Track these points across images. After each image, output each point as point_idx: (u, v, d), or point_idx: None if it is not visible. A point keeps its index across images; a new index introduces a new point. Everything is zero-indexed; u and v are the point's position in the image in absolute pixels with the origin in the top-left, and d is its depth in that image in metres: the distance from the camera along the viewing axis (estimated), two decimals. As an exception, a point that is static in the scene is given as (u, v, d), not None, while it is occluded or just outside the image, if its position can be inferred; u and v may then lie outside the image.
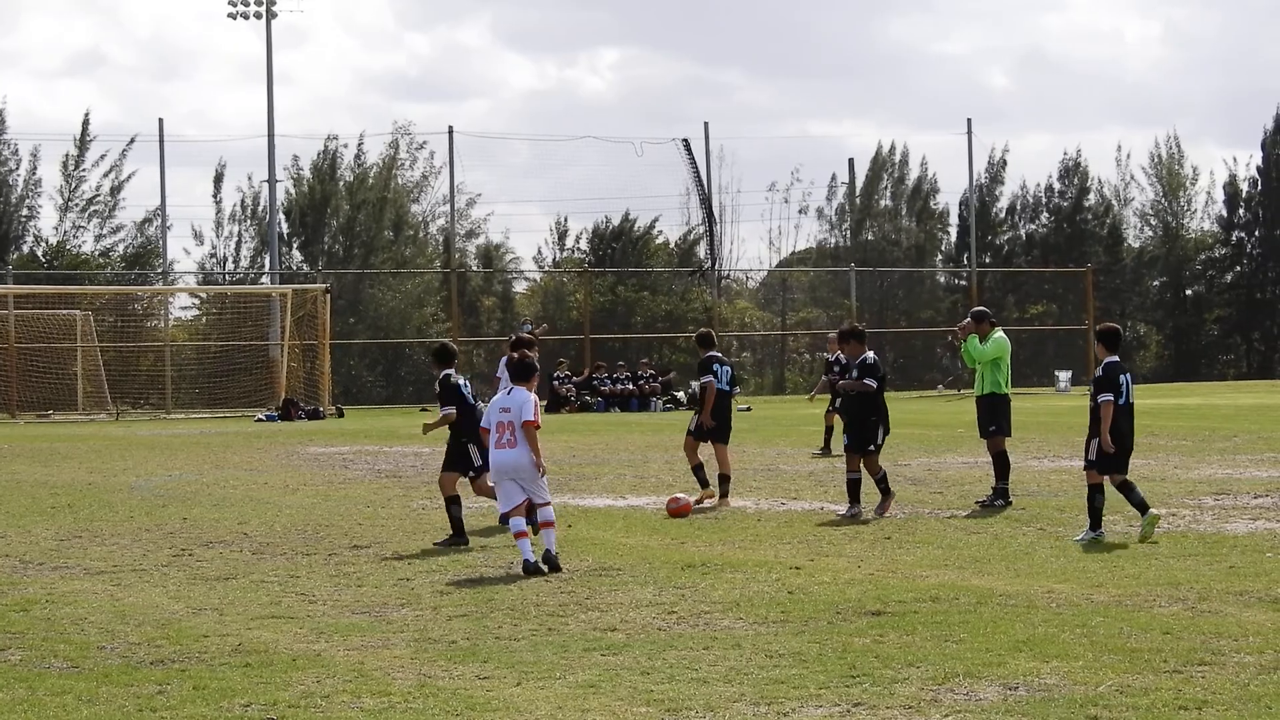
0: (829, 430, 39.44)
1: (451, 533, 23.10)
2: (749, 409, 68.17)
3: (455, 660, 14.64)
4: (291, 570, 20.53)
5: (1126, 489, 22.72)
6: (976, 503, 26.60)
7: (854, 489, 25.55)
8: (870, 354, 27.63)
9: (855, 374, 27.43)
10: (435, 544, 22.83)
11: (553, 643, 15.39)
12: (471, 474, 23.88)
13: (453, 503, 23.40)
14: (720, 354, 29.96)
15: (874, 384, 26.99)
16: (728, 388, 29.35)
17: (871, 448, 25.82)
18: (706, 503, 27.81)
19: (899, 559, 20.77)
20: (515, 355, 22.56)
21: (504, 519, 21.61)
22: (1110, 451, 22.38)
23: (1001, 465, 26.80)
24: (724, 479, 28.53)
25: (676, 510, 25.97)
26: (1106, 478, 22.55)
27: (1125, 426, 22.94)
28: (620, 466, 36.46)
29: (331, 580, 19.61)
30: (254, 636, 15.98)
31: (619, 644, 15.27)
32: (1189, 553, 20.76)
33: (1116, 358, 23.06)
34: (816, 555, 21.18)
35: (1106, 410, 22.51)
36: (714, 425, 28.76)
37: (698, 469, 28.90)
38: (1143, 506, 22.47)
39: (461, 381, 24.50)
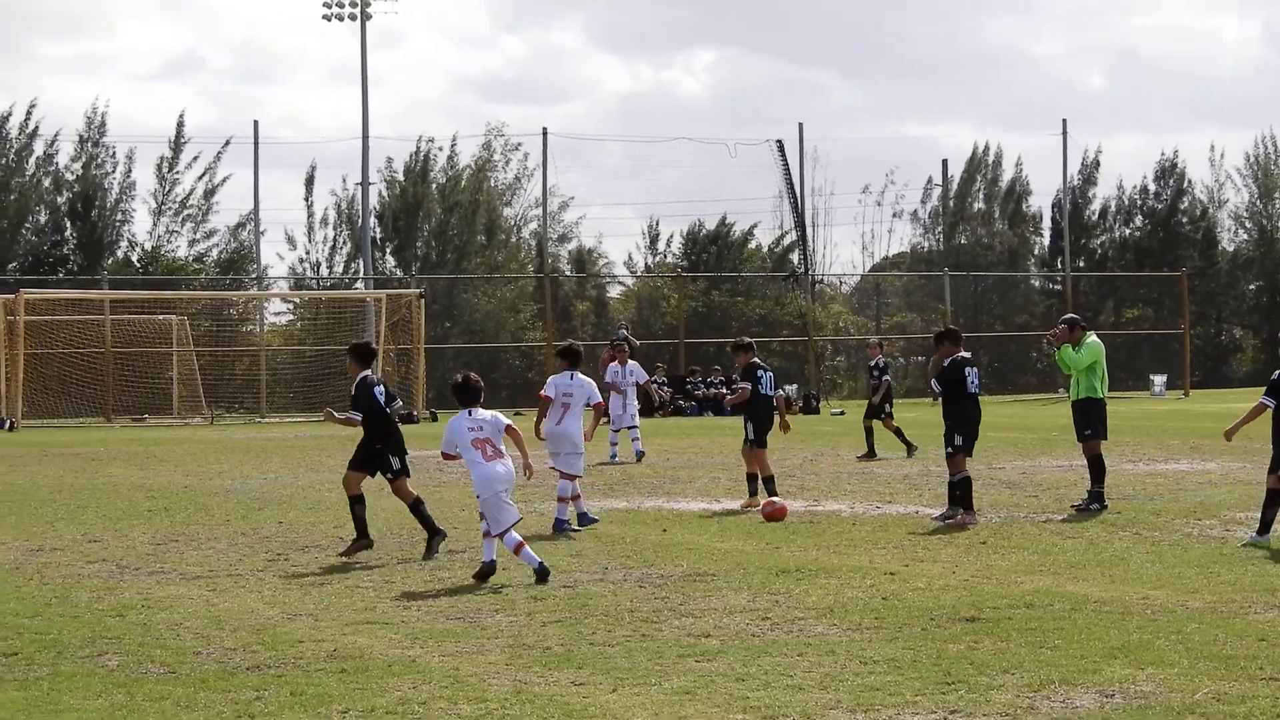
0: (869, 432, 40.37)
1: (356, 535, 22.84)
2: (843, 413, 68.09)
3: (550, 666, 14.67)
4: (386, 575, 20.62)
5: None
6: (1072, 507, 26.53)
7: (960, 491, 25.52)
8: (756, 359, 29.95)
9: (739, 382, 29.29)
10: (340, 554, 22.70)
11: (647, 649, 15.42)
12: (390, 476, 23.42)
13: (357, 502, 23.07)
14: (760, 360, 30.35)
15: (747, 388, 29.10)
16: (770, 393, 29.47)
17: (949, 449, 25.83)
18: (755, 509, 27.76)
19: (994, 564, 20.73)
20: (459, 379, 21.67)
21: (498, 536, 20.57)
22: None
23: (1097, 469, 26.72)
24: (753, 479, 28.78)
25: (772, 514, 25.97)
26: None
27: None
28: (714, 470, 36.45)
29: (426, 585, 19.68)
30: (349, 642, 16.05)
31: (713, 650, 15.29)
32: (1287, 558, 20.68)
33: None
34: (911, 560, 21.15)
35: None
36: (765, 430, 29.06)
37: (768, 478, 28.76)
38: None
39: (377, 386, 23.79)
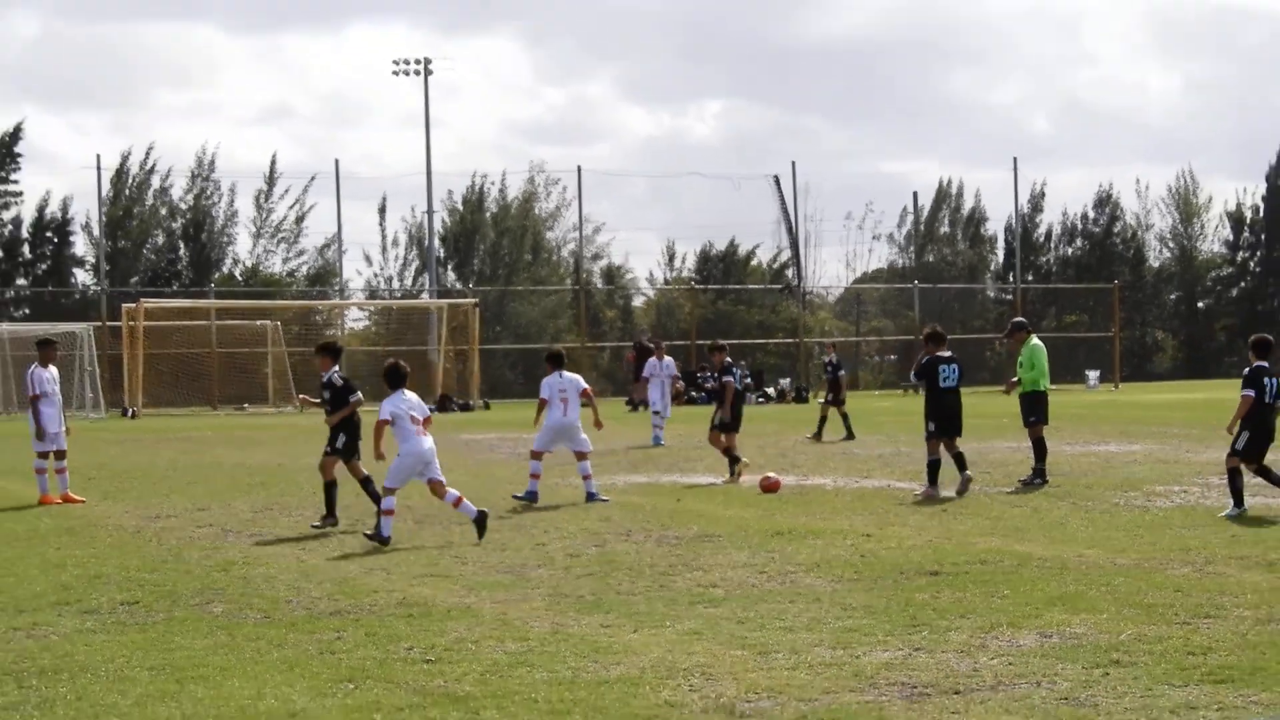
0: (823, 420, 40.86)
1: (325, 513, 22.32)
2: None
3: (583, 611, 14.71)
4: (446, 537, 20.64)
5: (1264, 473, 22.63)
6: (1019, 481, 26.53)
7: (930, 470, 25.49)
8: (728, 359, 31.15)
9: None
10: (312, 526, 22.11)
11: (663, 597, 15.45)
12: (347, 458, 22.86)
13: (332, 486, 22.55)
14: (731, 360, 31.32)
15: (733, 381, 29.99)
16: (740, 386, 30.40)
17: (926, 434, 25.85)
18: (744, 479, 28.17)
19: (953, 528, 20.73)
20: (390, 364, 21.64)
21: (387, 490, 20.68)
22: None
23: (1040, 450, 26.75)
24: (732, 460, 29.13)
25: (768, 487, 25.99)
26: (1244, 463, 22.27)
27: (1269, 421, 22.81)
28: (720, 451, 36.43)
29: (480, 545, 19.68)
30: (415, 592, 16.09)
31: (719, 598, 15.31)
32: (1197, 523, 20.65)
33: (1265, 363, 23.14)
34: (884, 525, 21.16)
35: (1245, 404, 22.57)
36: (731, 418, 29.63)
37: (728, 450, 29.36)
38: None
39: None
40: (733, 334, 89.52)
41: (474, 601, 15.41)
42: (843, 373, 42.33)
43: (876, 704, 10.79)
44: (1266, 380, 22.97)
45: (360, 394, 23.32)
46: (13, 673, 12.32)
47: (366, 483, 22.35)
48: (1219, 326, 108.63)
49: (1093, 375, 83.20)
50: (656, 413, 40.36)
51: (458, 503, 20.54)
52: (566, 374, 26.07)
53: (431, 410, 21.98)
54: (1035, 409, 27.07)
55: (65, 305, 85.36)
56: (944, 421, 25.90)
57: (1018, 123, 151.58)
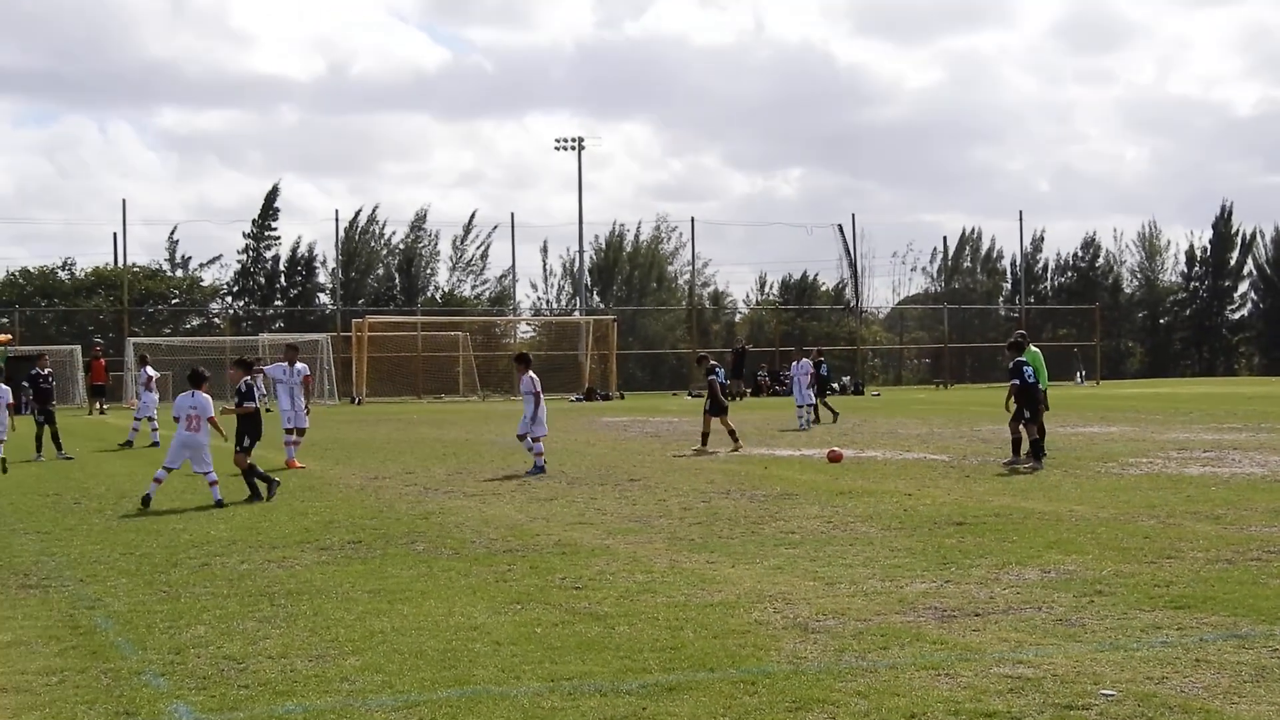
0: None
1: (251, 492, 20.60)
2: (879, 394, 67.61)
3: (693, 551, 14.63)
4: (591, 494, 20.61)
5: (1035, 446, 24.25)
6: (1024, 454, 26.21)
7: (1032, 447, 24.65)
8: (713, 363, 31.56)
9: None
10: (261, 499, 20.45)
11: (754, 540, 15.35)
12: (240, 450, 21.13)
13: (250, 473, 20.73)
14: (717, 363, 32.58)
15: (716, 379, 30.69)
16: (725, 382, 31.34)
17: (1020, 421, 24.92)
18: (721, 452, 28.53)
19: (974, 489, 20.50)
20: (191, 370, 20.92)
21: (166, 469, 20.35)
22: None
23: (1039, 430, 26.35)
24: (732, 434, 29.55)
25: (834, 458, 25.80)
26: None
27: (1034, 396, 24.59)
28: (796, 431, 36.29)
29: (616, 501, 19.66)
30: (568, 536, 16.06)
31: (796, 542, 15.19)
32: (1160, 487, 20.32)
33: (1023, 358, 25.01)
34: (921, 487, 20.94)
35: (1012, 389, 24.66)
36: (720, 405, 30.21)
37: (730, 431, 29.64)
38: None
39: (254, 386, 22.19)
40: (805, 342, 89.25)
41: (611, 543, 15.37)
42: (823, 372, 43.25)
43: (916, 623, 10.66)
44: (1025, 369, 24.76)
45: (255, 402, 21.89)
46: (266, 594, 12.39)
47: (249, 472, 20.84)
48: (1176, 338, 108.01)
49: (1080, 375, 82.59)
50: (800, 406, 38.29)
51: (213, 484, 20.13)
52: (531, 374, 25.47)
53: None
54: (1036, 400, 26.68)
55: (310, 320, 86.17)
56: (1031, 408, 25.62)
57: (1024, 184, 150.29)
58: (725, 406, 30.44)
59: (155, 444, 33.14)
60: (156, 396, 35.63)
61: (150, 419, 34.69)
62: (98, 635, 10.77)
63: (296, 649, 10.09)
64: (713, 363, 31.91)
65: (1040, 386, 26.61)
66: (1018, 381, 24.95)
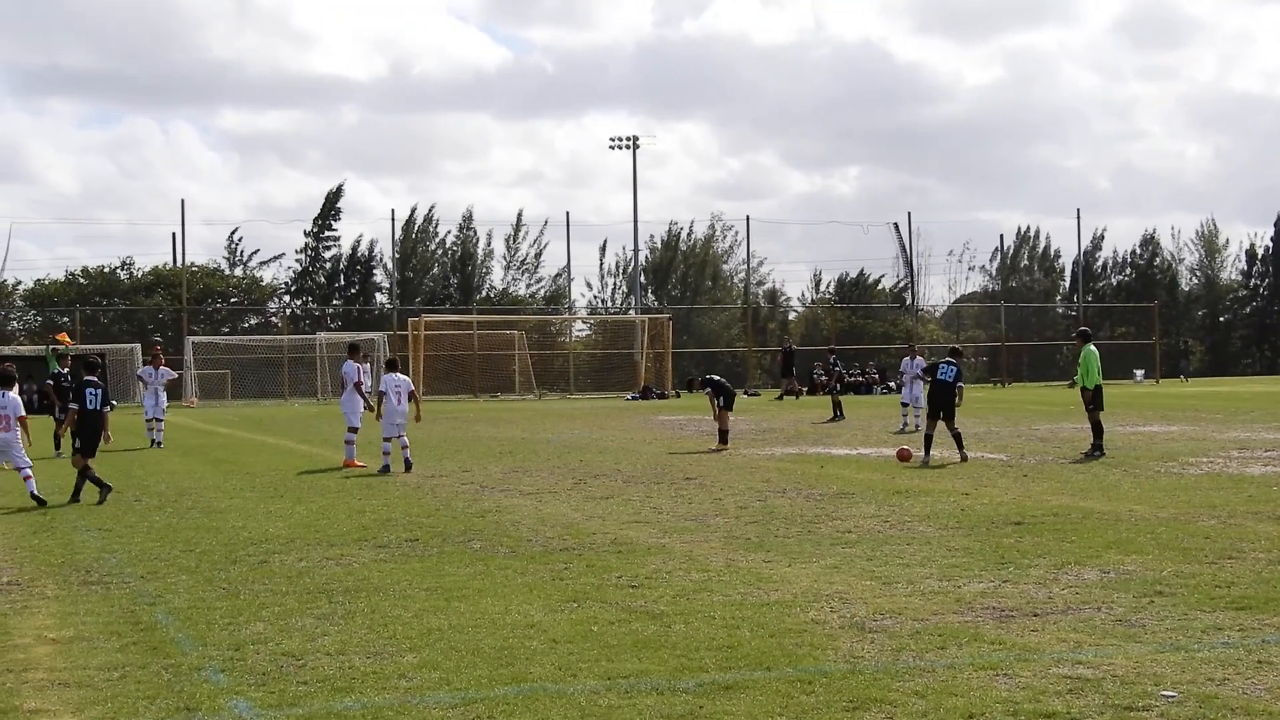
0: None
1: (101, 489, 20.63)
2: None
3: (749, 550, 14.61)
4: (647, 493, 20.62)
5: (956, 437, 25.83)
6: (1081, 454, 26.06)
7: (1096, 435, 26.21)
8: (714, 378, 31.32)
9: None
10: (97, 503, 20.26)
11: (810, 539, 15.32)
12: (79, 451, 21.13)
13: (85, 472, 20.72)
14: (696, 377, 33.67)
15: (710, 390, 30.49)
16: (716, 383, 30.95)
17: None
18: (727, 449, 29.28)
19: (1031, 489, 20.40)
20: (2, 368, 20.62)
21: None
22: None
23: (1097, 430, 26.29)
24: (723, 434, 30.02)
25: (903, 456, 25.71)
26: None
27: (944, 396, 26.02)
28: (854, 429, 36.20)
29: (672, 499, 19.66)
30: (624, 534, 16.08)
31: (853, 541, 15.15)
32: (1221, 486, 20.18)
33: (952, 359, 26.76)
34: (979, 486, 20.86)
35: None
36: (729, 403, 30.51)
37: (723, 431, 30.09)
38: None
39: (93, 390, 21.38)
40: (862, 341, 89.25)
41: (667, 541, 15.37)
42: (838, 369, 43.40)
43: (974, 623, 10.61)
44: (942, 367, 26.45)
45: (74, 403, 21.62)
46: (324, 591, 12.46)
47: (84, 471, 20.82)
48: (1236, 336, 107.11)
49: (1139, 373, 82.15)
50: (905, 404, 37.29)
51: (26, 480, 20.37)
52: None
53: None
54: (1093, 399, 26.60)
55: (367, 319, 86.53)
56: (933, 406, 26.08)
57: (1084, 182, 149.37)
58: (730, 403, 30.84)
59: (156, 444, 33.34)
60: (165, 397, 35.81)
61: (158, 419, 34.71)
62: (158, 631, 10.86)
63: (354, 646, 10.15)
64: (701, 378, 32.32)
65: (1088, 386, 26.55)
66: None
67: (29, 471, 20.43)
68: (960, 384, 26.33)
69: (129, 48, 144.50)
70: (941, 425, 26.03)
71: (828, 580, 12.60)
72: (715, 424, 30.31)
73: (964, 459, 25.32)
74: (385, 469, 24.88)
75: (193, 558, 14.74)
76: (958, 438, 25.91)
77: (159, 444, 33.27)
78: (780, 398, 63.01)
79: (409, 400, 25.63)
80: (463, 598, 11.99)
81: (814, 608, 11.30)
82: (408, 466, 24.93)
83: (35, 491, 20.19)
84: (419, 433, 37.53)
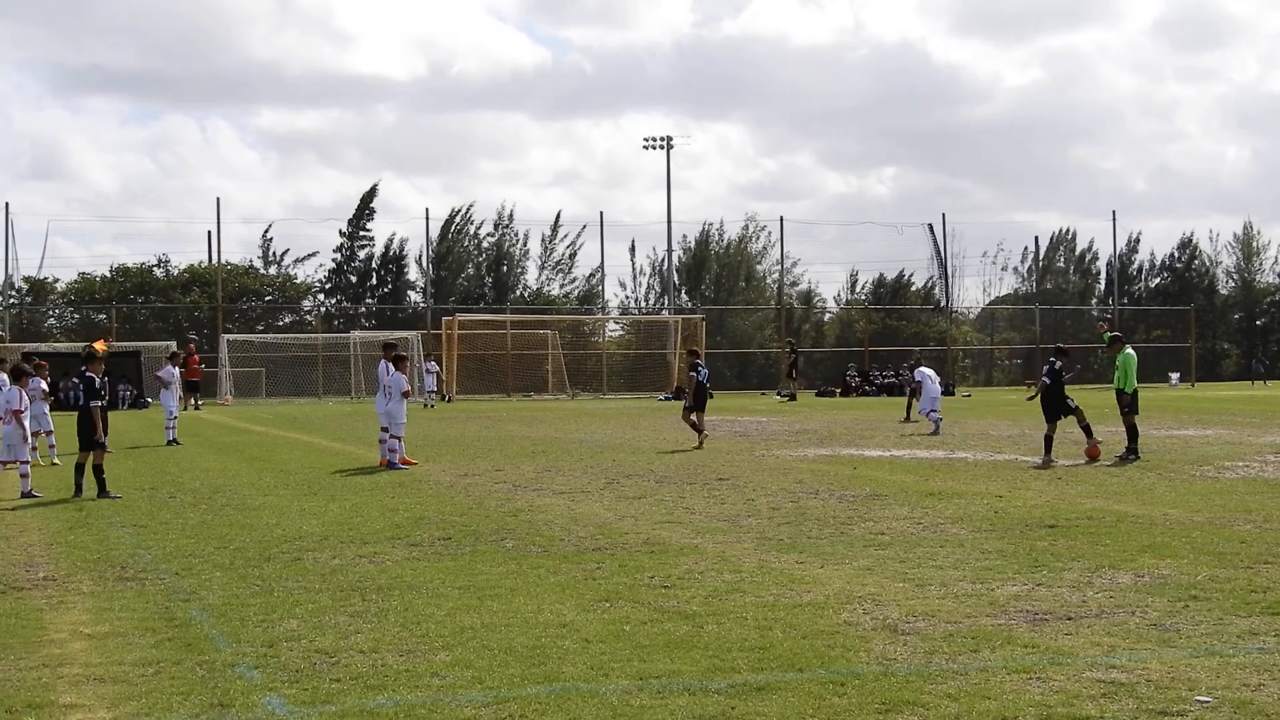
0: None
1: (99, 489, 20.90)
2: (970, 395, 67.19)
3: (782, 551, 14.60)
4: (680, 493, 20.62)
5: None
6: (1116, 456, 25.95)
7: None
8: (698, 360, 32.67)
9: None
10: (95, 498, 20.58)
11: (843, 541, 15.29)
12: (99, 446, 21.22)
13: (80, 471, 21.16)
14: (702, 362, 33.06)
15: (697, 375, 31.61)
16: (706, 382, 32.06)
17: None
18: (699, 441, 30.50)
19: (1066, 492, 20.33)
20: None
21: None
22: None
23: (1132, 433, 26.19)
24: (697, 430, 30.98)
25: (1091, 454, 25.88)
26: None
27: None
28: (886, 431, 36.10)
29: (705, 500, 19.66)
30: (656, 534, 16.08)
31: (885, 543, 15.13)
32: (1257, 491, 20.07)
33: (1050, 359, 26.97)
34: (1013, 488, 20.79)
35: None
36: (696, 403, 31.48)
37: (694, 425, 31.20)
38: None
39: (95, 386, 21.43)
40: (896, 342, 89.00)
41: (699, 542, 15.36)
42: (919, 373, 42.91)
43: (1007, 626, 10.58)
44: (1045, 368, 27.00)
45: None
46: (358, 589, 12.50)
47: (97, 470, 21.13)
48: (1273, 339, 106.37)
49: (1174, 377, 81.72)
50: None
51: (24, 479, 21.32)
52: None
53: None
54: (1130, 403, 26.51)
55: (400, 318, 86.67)
56: (1047, 408, 26.10)
57: (1121, 184, 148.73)
58: (703, 403, 31.67)
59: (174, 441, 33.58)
60: (177, 396, 36.04)
61: (172, 415, 34.90)
62: (193, 628, 10.91)
63: (387, 644, 10.17)
64: (698, 360, 32.94)
65: (1133, 388, 26.47)
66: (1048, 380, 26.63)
67: (27, 469, 21.60)
68: (1128, 389, 26.46)
69: (170, 47, 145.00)
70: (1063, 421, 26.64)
71: (860, 582, 12.58)
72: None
73: (1132, 455, 25.67)
74: (393, 465, 25.67)
75: (227, 555, 14.80)
76: (1132, 433, 26.18)
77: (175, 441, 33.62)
78: (788, 398, 62.66)
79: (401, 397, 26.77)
80: (495, 596, 12.01)
81: (846, 609, 11.29)
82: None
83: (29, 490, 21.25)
84: (453, 430, 37.62)
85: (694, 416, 31.39)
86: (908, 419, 39.31)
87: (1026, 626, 10.57)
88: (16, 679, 9.30)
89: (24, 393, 23.16)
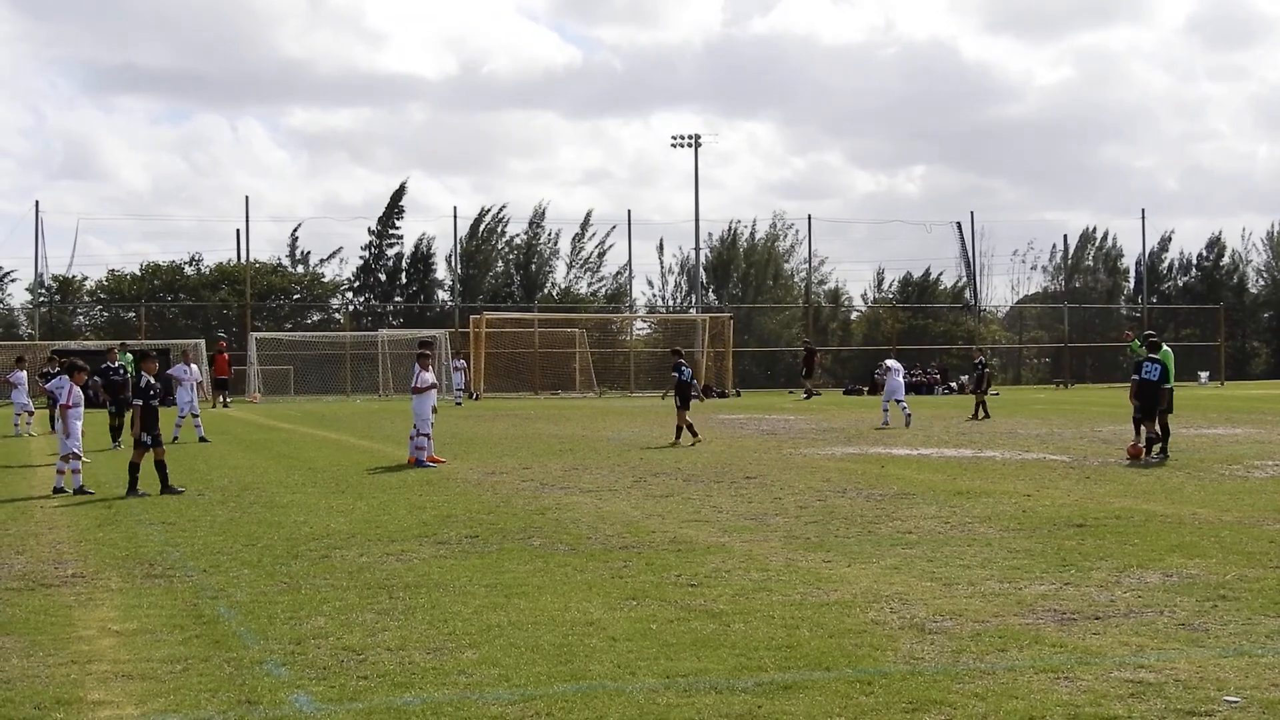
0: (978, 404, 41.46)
1: (130, 487, 21.12)
2: (998, 394, 67.00)
3: (809, 550, 14.58)
4: (707, 492, 20.61)
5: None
6: (1146, 455, 25.85)
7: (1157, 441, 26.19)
8: (681, 360, 32.52)
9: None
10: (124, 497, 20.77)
11: (870, 540, 15.27)
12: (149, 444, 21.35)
13: (136, 469, 21.20)
14: (685, 362, 32.91)
15: (679, 375, 31.71)
16: (690, 380, 31.97)
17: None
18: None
19: (1094, 491, 20.25)
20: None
21: None
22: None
23: (1165, 432, 26.08)
24: (679, 430, 30.98)
25: (1133, 454, 25.73)
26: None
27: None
28: (914, 430, 36.01)
29: (732, 498, 19.65)
30: (683, 533, 16.07)
31: (913, 541, 15.10)
32: (1289, 490, 20.01)
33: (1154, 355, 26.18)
34: (1041, 487, 20.73)
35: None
36: (681, 401, 31.35)
37: (689, 426, 30.90)
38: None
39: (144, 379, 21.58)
40: (924, 341, 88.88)
41: (726, 540, 15.35)
42: (988, 369, 42.47)
43: (1034, 625, 10.55)
44: (1146, 365, 26.34)
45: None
46: (385, 587, 12.52)
47: (160, 464, 21.37)
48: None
49: (1204, 375, 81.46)
50: (887, 403, 38.26)
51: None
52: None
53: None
54: (1168, 401, 26.45)
55: (428, 316, 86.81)
56: (1146, 405, 25.96)
57: (1152, 182, 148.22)
58: (687, 402, 31.59)
59: (203, 439, 33.87)
60: (191, 392, 36.13)
61: (194, 414, 35.08)
62: (221, 625, 10.94)
63: (414, 641, 10.19)
64: (679, 360, 32.85)
65: (1168, 386, 26.37)
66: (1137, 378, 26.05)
67: (78, 465, 21.96)
68: (1167, 384, 26.38)
69: (202, 47, 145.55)
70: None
71: (888, 581, 12.56)
72: (678, 419, 31.15)
73: (1162, 455, 25.65)
74: (420, 463, 25.76)
75: (255, 552, 14.85)
76: (1164, 432, 26.13)
77: (202, 439, 33.90)
78: (806, 396, 62.48)
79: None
80: (522, 594, 12.02)
81: (874, 608, 11.27)
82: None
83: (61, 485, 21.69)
84: (481, 428, 37.67)
85: (679, 414, 31.30)
86: (979, 416, 40.06)
87: (1054, 626, 10.54)
88: (45, 675, 9.34)
89: (75, 389, 23.05)
